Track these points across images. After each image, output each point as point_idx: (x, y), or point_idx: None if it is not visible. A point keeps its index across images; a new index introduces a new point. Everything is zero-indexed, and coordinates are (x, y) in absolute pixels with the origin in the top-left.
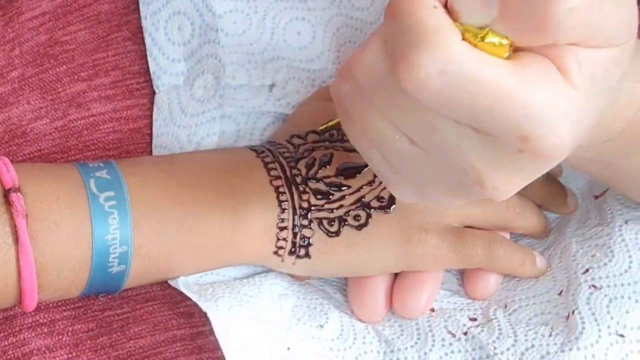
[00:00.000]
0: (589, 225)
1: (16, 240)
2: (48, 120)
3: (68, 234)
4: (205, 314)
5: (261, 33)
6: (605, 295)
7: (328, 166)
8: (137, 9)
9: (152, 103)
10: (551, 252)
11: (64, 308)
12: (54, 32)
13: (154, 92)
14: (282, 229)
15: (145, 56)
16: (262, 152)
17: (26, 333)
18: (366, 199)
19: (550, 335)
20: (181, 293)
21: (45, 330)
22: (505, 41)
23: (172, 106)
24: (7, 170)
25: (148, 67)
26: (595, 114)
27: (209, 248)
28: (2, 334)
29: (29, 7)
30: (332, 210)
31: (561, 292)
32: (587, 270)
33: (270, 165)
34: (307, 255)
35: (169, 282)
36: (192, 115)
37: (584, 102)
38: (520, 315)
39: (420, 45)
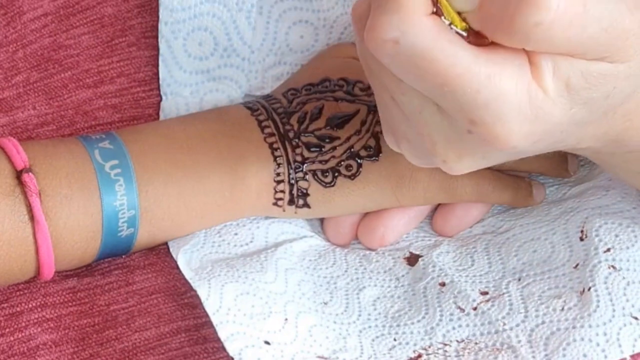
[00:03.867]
0: (613, 197)
1: (31, 217)
2: (55, 127)
3: (79, 206)
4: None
5: (263, 39)
6: (624, 278)
7: (319, 118)
8: (141, 14)
9: (157, 114)
10: (570, 217)
11: (70, 304)
12: (57, 35)
13: (159, 102)
14: (279, 182)
15: (150, 63)
16: (257, 109)
17: (32, 328)
18: (355, 149)
19: (563, 309)
20: (185, 284)
21: (52, 325)
22: (464, 33)
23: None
24: (17, 151)
25: (153, 75)
26: (567, 122)
27: (211, 206)
28: (8, 330)
29: (31, 7)
30: (324, 161)
31: (577, 265)
32: (608, 250)
33: (264, 124)
34: (306, 205)
35: (171, 251)
36: None
37: (551, 107)
38: (533, 289)
39: (384, 8)
